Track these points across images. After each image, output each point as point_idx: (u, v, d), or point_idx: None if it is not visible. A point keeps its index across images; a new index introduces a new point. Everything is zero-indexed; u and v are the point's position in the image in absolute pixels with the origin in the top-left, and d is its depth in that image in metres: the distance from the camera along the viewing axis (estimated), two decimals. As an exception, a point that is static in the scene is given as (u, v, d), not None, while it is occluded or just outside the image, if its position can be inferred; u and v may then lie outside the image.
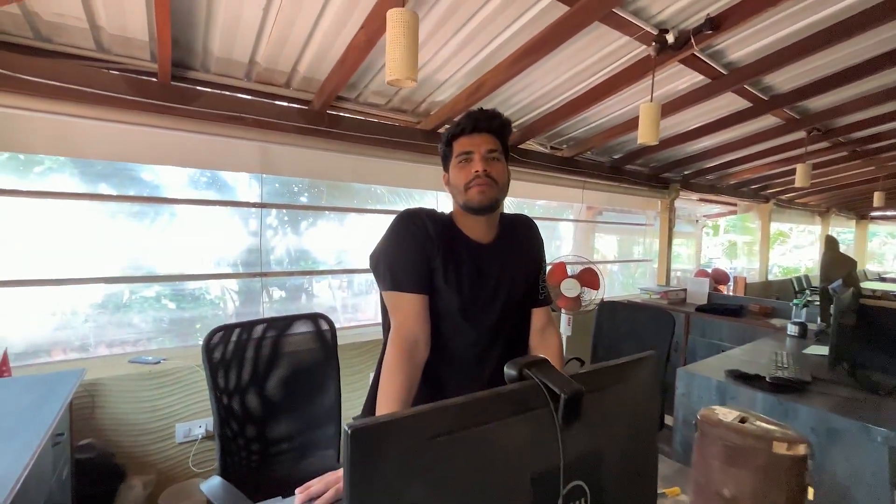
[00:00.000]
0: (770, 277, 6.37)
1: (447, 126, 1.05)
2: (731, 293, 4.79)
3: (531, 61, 1.90)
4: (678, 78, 2.44)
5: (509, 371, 0.43)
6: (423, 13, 1.66)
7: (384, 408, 0.92)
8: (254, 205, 2.38)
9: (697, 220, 5.97)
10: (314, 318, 1.43)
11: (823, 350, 1.90)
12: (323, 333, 1.44)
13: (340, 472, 0.82)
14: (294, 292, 3.26)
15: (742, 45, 2.18)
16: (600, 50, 2.06)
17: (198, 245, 2.44)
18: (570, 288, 2.62)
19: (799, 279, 6.62)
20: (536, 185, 3.22)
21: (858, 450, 1.16)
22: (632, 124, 2.82)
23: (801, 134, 3.45)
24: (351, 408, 2.17)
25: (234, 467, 1.22)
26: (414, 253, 0.99)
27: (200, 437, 1.91)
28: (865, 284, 5.76)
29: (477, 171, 0.98)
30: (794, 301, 2.51)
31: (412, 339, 0.96)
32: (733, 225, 8.71)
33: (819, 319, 2.29)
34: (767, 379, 1.44)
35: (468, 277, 1.03)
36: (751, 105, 2.85)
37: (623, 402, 0.48)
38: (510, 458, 0.38)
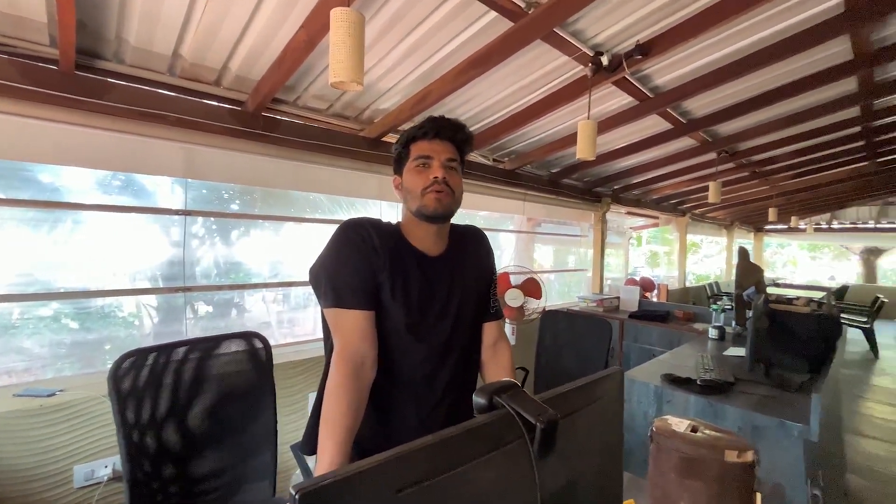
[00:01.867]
0: (687, 284, 6.96)
1: (392, 134, 1.01)
2: (655, 299, 5.16)
3: (476, 73, 1.91)
4: (610, 98, 2.60)
5: (478, 400, 0.39)
6: (368, 16, 1.61)
7: (329, 435, 0.83)
8: (176, 212, 2.15)
9: (625, 232, 6.40)
10: (246, 336, 1.30)
11: (740, 351, 2.08)
12: (256, 353, 1.31)
13: None
14: (223, 307, 3.01)
15: (666, 71, 2.37)
16: (542, 67, 2.13)
17: (109, 257, 2.16)
18: (514, 298, 2.66)
19: (710, 285, 7.34)
20: (480, 196, 3.25)
21: (778, 445, 1.27)
22: (569, 140, 2.96)
23: (713, 155, 3.83)
24: (289, 432, 2.01)
25: (149, 514, 1.06)
26: (358, 266, 0.92)
27: (106, 478, 1.66)
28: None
29: (436, 177, 0.94)
30: (713, 307, 2.74)
31: (358, 359, 0.89)
32: (654, 236, 9.47)
33: (734, 323, 2.52)
34: (698, 382, 1.54)
35: (417, 292, 0.97)
36: (672, 127, 3.11)
37: (593, 423, 0.46)
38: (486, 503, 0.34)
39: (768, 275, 10.83)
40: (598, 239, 4.62)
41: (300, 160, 2.22)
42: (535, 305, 2.79)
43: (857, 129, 3.66)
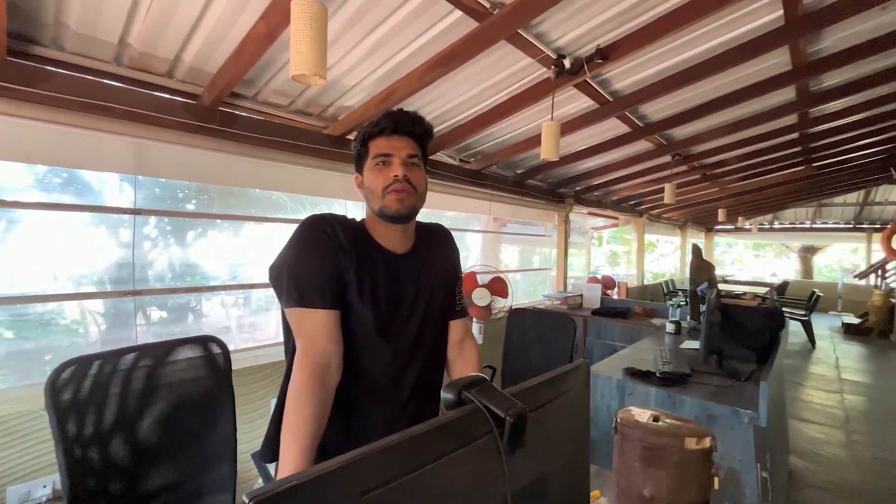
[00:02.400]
0: (645, 282, 7.27)
1: (357, 132, 0.97)
2: (616, 297, 5.35)
3: (442, 73, 1.91)
4: (573, 101, 2.67)
5: (446, 396, 0.39)
6: (331, 11, 1.57)
7: (291, 441, 0.80)
8: (126, 211, 2.01)
9: (587, 232, 6.60)
10: (202, 341, 1.23)
11: (695, 344, 2.19)
12: (213, 358, 1.25)
13: None
14: (179, 312, 2.86)
15: (625, 76, 2.46)
16: (507, 68, 2.16)
17: (49, 259, 2.00)
18: (481, 297, 2.68)
19: (666, 283, 7.70)
20: (447, 196, 3.26)
21: (731, 431, 1.34)
22: (533, 141, 3.02)
23: (668, 158, 4.01)
24: (250, 440, 1.93)
25: (93, 535, 0.98)
26: (323, 263, 0.89)
27: (45, 499, 1.53)
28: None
29: (396, 176, 0.91)
30: (670, 303, 2.87)
31: (323, 361, 0.85)
32: (614, 236, 9.82)
33: (689, 318, 2.65)
34: (657, 374, 1.61)
35: (385, 291, 0.95)
36: (630, 130, 3.24)
37: (561, 415, 0.46)
38: (457, 503, 0.33)
39: (718, 272, 11.48)
40: (561, 239, 4.73)
41: (260, 157, 2.14)
42: (501, 304, 2.82)
43: (795, 135, 3.94)
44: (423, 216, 1.06)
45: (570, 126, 2.82)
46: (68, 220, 2.13)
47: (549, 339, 2.21)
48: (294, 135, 2.22)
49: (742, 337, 1.91)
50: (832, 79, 2.91)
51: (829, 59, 2.48)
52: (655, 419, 0.68)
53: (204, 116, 1.89)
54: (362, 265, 0.92)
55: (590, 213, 5.66)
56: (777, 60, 2.49)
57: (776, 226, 10.99)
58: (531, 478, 0.40)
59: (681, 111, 3.04)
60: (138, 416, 1.10)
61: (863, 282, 9.27)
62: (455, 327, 1.11)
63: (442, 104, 2.44)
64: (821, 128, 3.83)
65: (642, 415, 0.69)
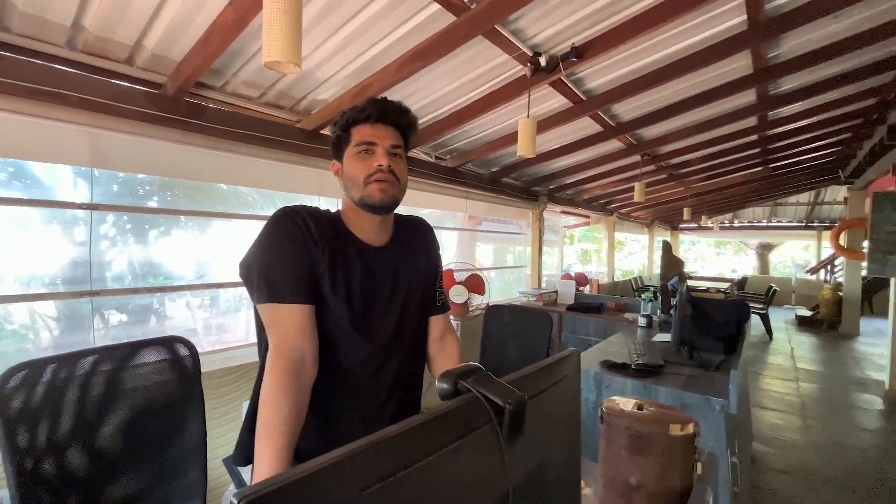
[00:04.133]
0: (615, 279, 7.47)
1: (331, 127, 0.94)
2: (588, 293, 5.46)
3: (418, 67, 1.88)
4: (548, 100, 2.70)
5: (442, 385, 0.37)
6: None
7: (266, 441, 0.76)
8: (81, 206, 1.89)
9: (560, 231, 6.72)
10: (168, 342, 1.16)
11: (666, 337, 2.25)
12: (180, 361, 1.18)
13: None
14: (140, 314, 2.72)
15: (598, 75, 2.50)
16: (484, 64, 2.15)
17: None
18: (458, 294, 2.67)
19: (635, 279, 7.93)
20: (423, 193, 3.23)
21: (704, 419, 1.38)
22: (508, 139, 3.03)
23: (637, 157, 4.13)
24: (221, 445, 1.85)
25: (48, 553, 0.91)
26: (295, 257, 0.85)
27: (-8, 516, 1.41)
28: (681, 282, 7.14)
29: (380, 165, 0.88)
30: (642, 297, 2.95)
31: (297, 357, 0.82)
32: (585, 235, 10.02)
33: (659, 311, 2.73)
34: (632, 366, 1.65)
35: (360, 284, 0.92)
36: (602, 129, 3.31)
37: (555, 403, 0.45)
38: (458, 496, 0.31)
39: (684, 269, 11.97)
40: (535, 237, 4.79)
41: (229, 151, 2.05)
42: (478, 301, 2.82)
43: (754, 137, 4.13)
44: (400, 213, 1.04)
45: (544, 124, 2.85)
46: (15, 216, 1.99)
47: (525, 335, 2.22)
48: (265, 128, 2.14)
49: (710, 328, 1.98)
50: (789, 83, 3.06)
51: (787, 63, 2.61)
52: (640, 408, 0.69)
53: (168, 107, 1.80)
54: (335, 257, 0.88)
55: (563, 212, 5.76)
56: (740, 64, 2.59)
57: (736, 224, 11.54)
58: (530, 467, 0.39)
59: (650, 111, 3.13)
60: (98, 423, 1.02)
61: (814, 277, 9.86)
62: (436, 323, 1.08)
63: (418, 99, 2.42)
64: (777, 130, 4.03)
65: (627, 404, 0.70)
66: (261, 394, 0.80)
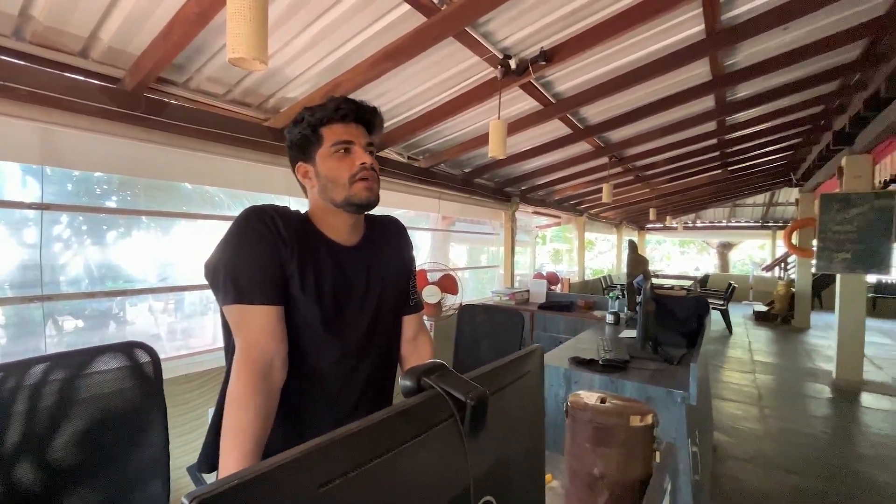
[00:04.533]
0: (585, 278, 7.65)
1: (290, 128, 0.92)
2: (559, 291, 5.58)
3: (389, 66, 1.88)
4: (518, 102, 2.74)
5: (406, 382, 0.37)
6: (271, -5, 1.49)
7: (233, 446, 0.74)
8: (30, 206, 1.78)
9: (532, 231, 6.83)
10: (127, 348, 1.12)
11: (633, 333, 2.33)
12: (140, 367, 1.13)
13: None
14: (98, 320, 2.59)
15: (566, 79, 2.56)
16: (455, 66, 2.17)
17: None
18: (431, 294, 2.67)
19: (605, 278, 8.16)
20: (396, 193, 3.22)
21: (666, 411, 1.44)
22: (480, 140, 3.06)
23: (605, 160, 4.25)
24: (184, 454, 1.79)
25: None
26: (263, 256, 0.83)
27: (-70, 539, 1.31)
28: (648, 280, 7.42)
29: (364, 164, 0.88)
30: (610, 295, 3.04)
31: (265, 359, 0.80)
32: (556, 235, 10.20)
33: (626, 308, 2.81)
34: (600, 362, 1.69)
35: (331, 285, 0.90)
36: (571, 132, 3.39)
37: (518, 398, 0.46)
38: (419, 490, 0.31)
39: (649, 268, 12.40)
40: (508, 237, 4.85)
41: (193, 149, 1.98)
42: (452, 301, 2.84)
43: (714, 141, 4.33)
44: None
45: (515, 126, 2.90)
46: (-43, 216, 1.86)
47: (498, 334, 2.25)
48: (232, 126, 2.09)
49: (673, 324, 2.07)
50: (745, 90, 3.23)
51: (742, 71, 2.75)
52: (602, 401, 0.71)
53: (127, 102, 1.72)
54: (305, 257, 0.87)
55: (534, 212, 5.86)
56: (699, 71, 2.71)
57: (699, 224, 12.04)
58: (492, 461, 0.39)
59: (617, 115, 3.23)
60: (50, 435, 0.97)
61: (769, 274, 10.39)
62: (409, 323, 1.08)
63: (390, 99, 2.41)
64: (736, 135, 4.24)
65: (590, 397, 0.72)
66: (227, 397, 0.78)
